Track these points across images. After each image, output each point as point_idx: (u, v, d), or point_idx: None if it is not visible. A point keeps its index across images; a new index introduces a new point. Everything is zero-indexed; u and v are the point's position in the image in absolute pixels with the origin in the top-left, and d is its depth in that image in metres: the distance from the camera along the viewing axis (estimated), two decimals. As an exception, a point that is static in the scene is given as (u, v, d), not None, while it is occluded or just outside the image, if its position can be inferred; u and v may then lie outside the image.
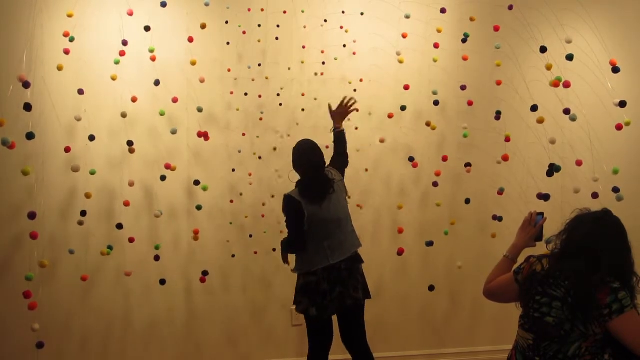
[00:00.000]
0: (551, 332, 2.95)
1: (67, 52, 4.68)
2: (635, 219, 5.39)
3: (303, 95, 5.25)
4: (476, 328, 5.61)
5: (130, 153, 4.83)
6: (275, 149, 5.24)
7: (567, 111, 4.77)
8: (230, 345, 5.25)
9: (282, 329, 5.31)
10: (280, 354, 5.30)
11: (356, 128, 5.31)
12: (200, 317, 5.19)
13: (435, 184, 5.23)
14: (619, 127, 4.84)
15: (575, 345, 2.89)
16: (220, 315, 5.22)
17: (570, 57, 4.73)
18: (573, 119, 4.77)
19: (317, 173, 4.22)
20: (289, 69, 5.26)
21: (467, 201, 5.20)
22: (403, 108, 5.24)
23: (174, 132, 4.89)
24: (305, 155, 4.24)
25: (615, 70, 4.80)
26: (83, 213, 4.70)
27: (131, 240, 4.83)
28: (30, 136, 4.35)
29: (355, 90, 5.29)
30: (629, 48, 5.75)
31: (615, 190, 4.79)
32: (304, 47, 5.25)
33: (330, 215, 4.20)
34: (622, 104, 4.77)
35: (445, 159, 5.24)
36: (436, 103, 5.24)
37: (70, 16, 4.71)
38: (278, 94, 5.23)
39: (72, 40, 4.68)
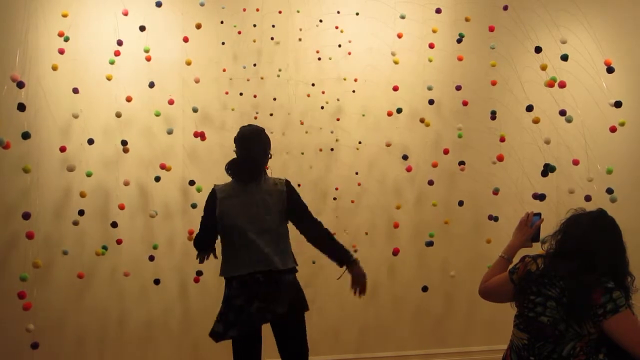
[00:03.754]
0: (546, 332, 2.95)
1: (61, 51, 4.67)
2: (629, 220, 5.41)
3: (309, 95, 5.27)
4: (471, 328, 5.62)
5: (124, 152, 4.82)
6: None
7: (563, 112, 4.79)
8: (226, 345, 5.23)
9: (278, 329, 5.30)
10: (275, 354, 5.28)
11: (360, 142, 5.35)
12: (196, 316, 5.17)
13: (430, 182, 5.23)
14: (612, 130, 4.86)
15: (570, 345, 2.90)
16: (216, 315, 5.21)
17: (565, 57, 4.74)
18: (569, 120, 4.78)
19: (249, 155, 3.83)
20: (279, 72, 5.27)
21: (460, 203, 5.21)
22: (399, 110, 5.25)
23: (170, 132, 4.89)
24: (246, 138, 3.84)
25: (610, 70, 4.81)
26: (81, 212, 4.70)
27: (119, 242, 4.84)
28: (25, 136, 4.35)
29: (354, 92, 5.31)
30: (623, 48, 5.76)
31: (609, 191, 4.80)
32: (300, 40, 5.26)
33: (252, 212, 3.77)
34: (617, 104, 4.78)
35: (446, 151, 5.26)
36: (431, 102, 5.24)
37: (65, 16, 4.72)
38: (274, 99, 5.24)
39: (66, 40, 4.68)
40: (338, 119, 5.33)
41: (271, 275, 3.75)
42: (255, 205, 3.76)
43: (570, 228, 3.10)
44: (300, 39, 5.27)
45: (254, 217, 3.75)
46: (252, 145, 3.83)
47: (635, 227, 5.47)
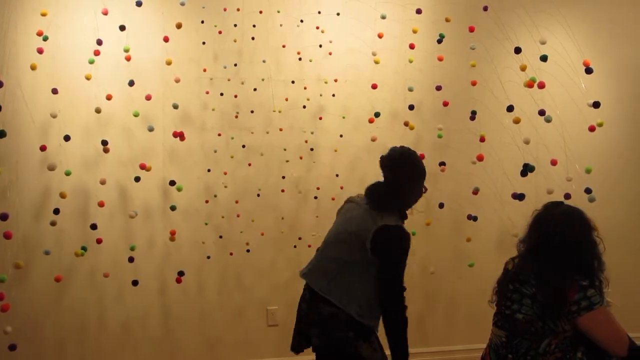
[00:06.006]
0: (521, 329, 2.99)
1: (40, 51, 4.63)
2: (608, 219, 5.48)
3: (287, 99, 5.25)
4: (451, 327, 5.64)
5: (104, 152, 4.79)
6: (244, 146, 5.23)
7: (542, 112, 4.82)
8: (206, 345, 5.23)
9: (258, 329, 5.31)
10: (257, 354, 5.29)
11: (341, 135, 5.37)
12: (176, 318, 5.16)
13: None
14: (591, 129, 4.90)
15: (545, 342, 2.94)
16: (196, 316, 5.20)
17: (544, 58, 4.77)
18: (548, 120, 4.81)
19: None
20: (262, 80, 5.26)
21: (441, 206, 5.22)
22: (377, 114, 5.26)
23: (150, 130, 4.87)
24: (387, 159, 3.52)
25: (589, 71, 4.84)
26: (56, 211, 4.65)
27: (99, 241, 4.80)
28: (1, 134, 4.29)
29: (333, 95, 5.32)
30: (602, 49, 5.82)
31: (588, 191, 4.85)
32: (283, 46, 5.25)
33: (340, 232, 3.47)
34: (596, 105, 4.83)
35: (422, 157, 5.26)
36: (411, 107, 5.25)
37: (44, 15, 4.67)
38: (252, 111, 5.22)
39: (45, 39, 4.64)
40: (320, 118, 5.33)
41: (314, 295, 3.39)
42: (349, 222, 3.43)
43: (531, 228, 3.17)
44: (280, 40, 5.27)
45: (342, 231, 3.43)
46: (392, 168, 3.46)
47: (613, 225, 5.57)
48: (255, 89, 5.22)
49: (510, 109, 4.85)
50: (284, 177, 5.26)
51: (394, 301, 3.32)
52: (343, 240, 3.36)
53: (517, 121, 4.85)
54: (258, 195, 5.24)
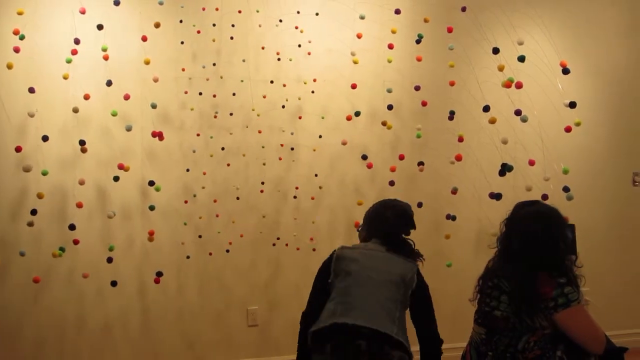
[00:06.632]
0: (500, 326, 3.01)
1: (17, 50, 4.59)
2: (586, 219, 5.53)
3: (264, 97, 5.24)
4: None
5: (82, 152, 4.75)
6: (223, 148, 5.21)
7: (518, 112, 4.86)
8: (186, 346, 5.21)
9: (238, 329, 5.29)
10: (237, 354, 5.28)
11: (320, 136, 5.37)
12: (156, 318, 5.13)
13: (391, 183, 5.25)
14: (567, 130, 4.95)
15: (524, 339, 2.96)
16: (176, 317, 5.17)
17: (522, 59, 4.81)
18: (524, 120, 4.86)
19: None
20: (241, 81, 5.25)
21: (420, 205, 5.21)
22: (357, 114, 5.27)
23: (128, 129, 4.83)
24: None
25: (566, 71, 4.90)
26: (33, 212, 4.60)
27: (75, 242, 4.75)
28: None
29: (313, 92, 5.31)
30: (578, 50, 5.89)
31: (566, 189, 4.89)
32: (263, 48, 5.25)
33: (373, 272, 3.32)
34: (572, 105, 4.88)
35: (402, 157, 5.28)
36: (390, 107, 5.26)
37: (20, 14, 4.63)
38: (231, 114, 5.22)
39: (22, 38, 4.59)
40: (300, 117, 5.33)
41: (381, 342, 3.11)
42: (388, 265, 3.40)
43: (506, 227, 3.20)
44: (259, 39, 5.26)
45: (390, 272, 3.35)
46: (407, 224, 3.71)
47: (590, 225, 5.63)
48: (234, 94, 5.20)
49: (486, 109, 4.89)
50: (262, 191, 5.25)
51: (437, 336, 3.38)
52: (391, 282, 3.27)
53: (492, 121, 4.89)
54: (214, 199, 5.23)
